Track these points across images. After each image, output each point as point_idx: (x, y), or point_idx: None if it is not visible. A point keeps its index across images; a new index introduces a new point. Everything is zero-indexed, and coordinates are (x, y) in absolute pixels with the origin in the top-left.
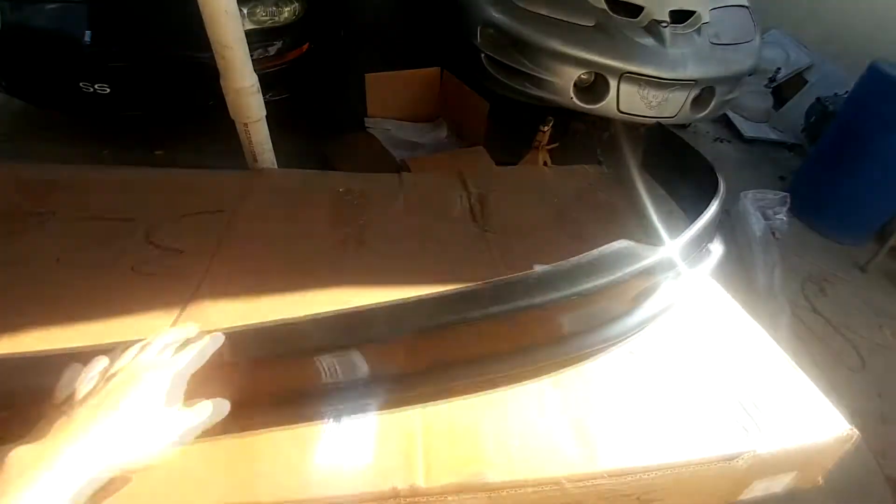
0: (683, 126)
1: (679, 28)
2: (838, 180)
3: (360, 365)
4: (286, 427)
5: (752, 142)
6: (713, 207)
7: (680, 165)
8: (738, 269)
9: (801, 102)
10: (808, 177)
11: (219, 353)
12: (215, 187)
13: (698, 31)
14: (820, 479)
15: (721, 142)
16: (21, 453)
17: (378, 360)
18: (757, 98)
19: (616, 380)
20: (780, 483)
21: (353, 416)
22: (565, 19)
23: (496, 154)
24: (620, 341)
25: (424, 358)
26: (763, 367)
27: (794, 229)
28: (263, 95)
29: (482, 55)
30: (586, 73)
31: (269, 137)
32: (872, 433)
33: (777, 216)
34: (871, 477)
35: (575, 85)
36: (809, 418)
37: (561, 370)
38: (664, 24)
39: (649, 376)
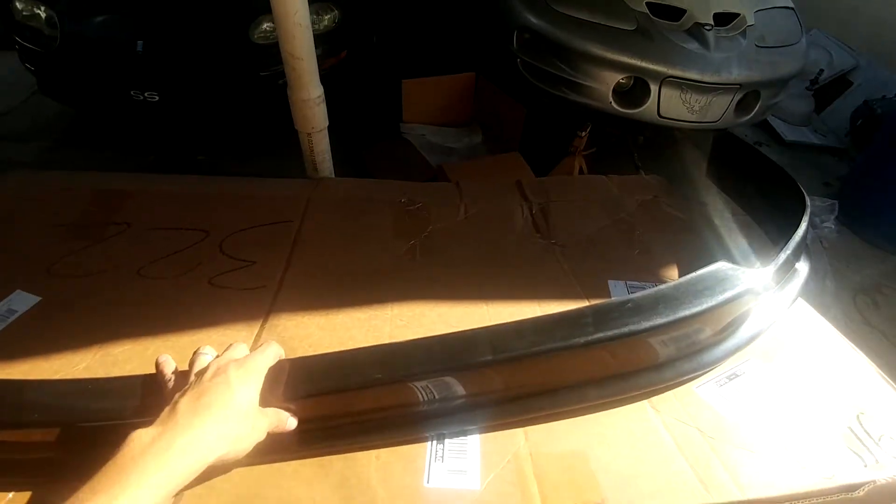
0: (722, 130)
1: (723, 31)
2: (890, 186)
3: (455, 388)
4: (394, 447)
5: (792, 146)
6: (803, 224)
7: (752, 176)
8: None
9: (845, 105)
10: (857, 183)
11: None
12: (280, 197)
13: (743, 33)
14: None
15: (760, 146)
16: (141, 435)
17: (475, 383)
18: (798, 101)
19: (718, 405)
20: None
21: (454, 437)
22: (604, 23)
23: (531, 160)
24: (718, 365)
25: (523, 382)
26: (868, 392)
27: (842, 238)
28: None
29: (518, 60)
30: (626, 77)
31: (329, 147)
32: None
33: (825, 224)
34: None
35: (614, 90)
36: None
37: (659, 394)
38: (708, 27)
39: (753, 402)
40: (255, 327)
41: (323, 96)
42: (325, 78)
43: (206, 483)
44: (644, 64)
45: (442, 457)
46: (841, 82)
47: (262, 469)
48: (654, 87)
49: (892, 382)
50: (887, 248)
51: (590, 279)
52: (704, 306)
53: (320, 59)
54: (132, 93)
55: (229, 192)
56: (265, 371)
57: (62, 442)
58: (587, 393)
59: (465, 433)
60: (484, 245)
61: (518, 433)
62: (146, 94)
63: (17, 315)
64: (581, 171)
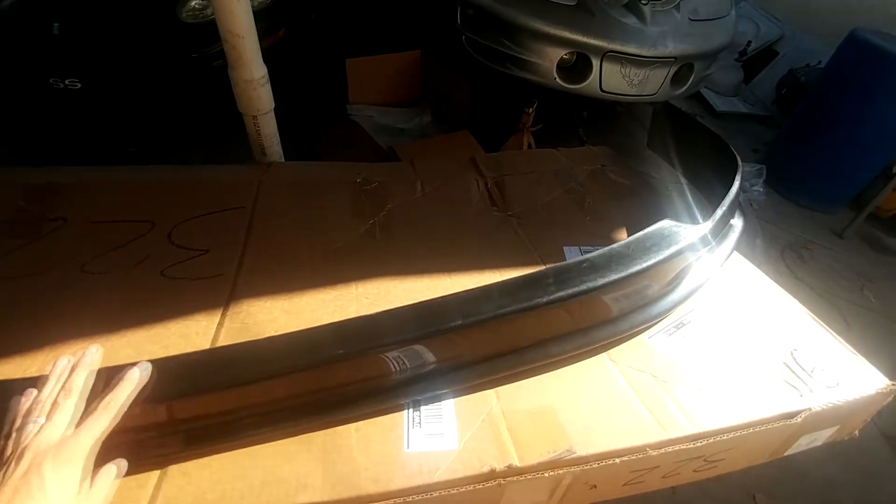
0: (660, 102)
1: (658, 5)
2: (814, 150)
3: (426, 355)
4: (371, 419)
5: (723, 116)
6: (736, 183)
7: (689, 143)
8: None
9: (771, 75)
10: (782, 148)
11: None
12: (229, 183)
13: (677, 7)
14: (856, 432)
15: (694, 117)
16: None
17: (446, 348)
18: (727, 72)
19: (668, 352)
20: (822, 436)
21: (429, 403)
22: None
23: (480, 137)
24: (667, 316)
25: (491, 343)
26: (799, 332)
27: (770, 200)
28: None
29: (463, 37)
30: (569, 53)
31: (277, 130)
32: None
33: (754, 188)
34: (868, 435)
35: (558, 66)
36: (851, 375)
37: (614, 347)
38: (644, 2)
39: (699, 347)
40: (216, 316)
41: (267, 76)
42: (265, 58)
43: (183, 471)
44: (585, 39)
45: (419, 422)
46: (767, 53)
47: (241, 452)
48: (595, 63)
49: (821, 322)
50: (812, 207)
51: (546, 246)
52: (653, 261)
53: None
54: (51, 80)
55: (172, 180)
56: (88, 450)
57: None
58: (550, 349)
59: (439, 398)
60: (443, 220)
61: (489, 394)
62: (66, 82)
63: None
64: (529, 147)
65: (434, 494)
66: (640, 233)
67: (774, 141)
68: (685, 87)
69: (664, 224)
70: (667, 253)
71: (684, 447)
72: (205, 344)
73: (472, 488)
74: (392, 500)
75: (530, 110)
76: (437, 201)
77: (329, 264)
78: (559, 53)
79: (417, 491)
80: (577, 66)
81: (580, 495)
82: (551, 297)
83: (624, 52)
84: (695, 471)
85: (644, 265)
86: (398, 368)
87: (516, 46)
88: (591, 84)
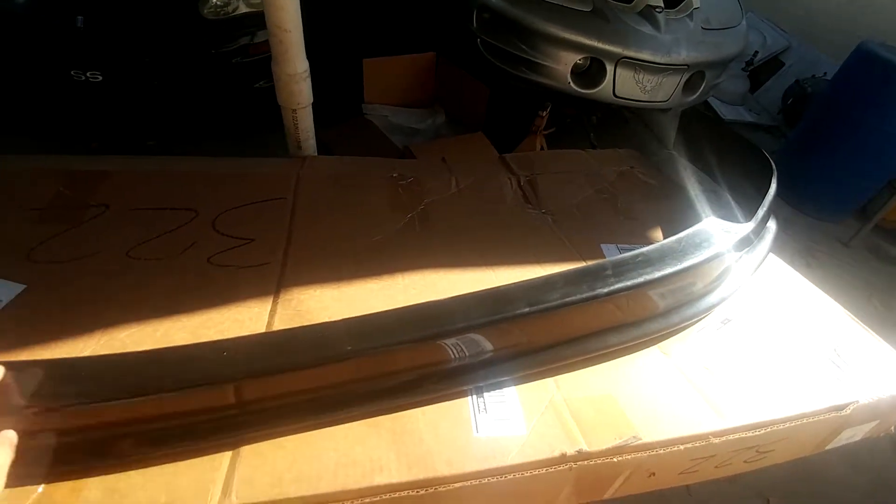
0: (664, 109)
1: (672, 13)
2: (821, 161)
3: (488, 342)
4: (437, 404)
5: (730, 124)
6: (773, 184)
7: (719, 147)
8: None
9: (777, 85)
10: (788, 158)
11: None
12: (267, 175)
13: (690, 15)
14: (893, 429)
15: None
16: None
17: (508, 336)
18: (734, 81)
19: (717, 346)
20: (861, 431)
21: (492, 390)
22: (562, 4)
23: (494, 139)
24: (713, 312)
25: (551, 332)
26: (839, 329)
27: (777, 208)
28: (258, 82)
29: (478, 40)
30: (583, 58)
31: (313, 125)
32: None
33: None
34: (878, 438)
35: (572, 70)
36: (893, 372)
37: (665, 340)
38: (658, 10)
39: (746, 342)
40: (267, 302)
41: (308, 71)
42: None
43: (257, 451)
44: (600, 44)
45: (485, 408)
46: (773, 63)
47: (313, 434)
48: (609, 68)
49: (859, 321)
50: (818, 216)
51: (583, 244)
52: (703, 257)
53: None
54: (72, 73)
55: (211, 170)
56: None
57: None
58: (607, 339)
59: (500, 385)
60: (479, 215)
61: (549, 382)
62: (88, 75)
63: (1, 305)
64: (542, 150)
65: (508, 477)
66: (690, 229)
67: (780, 151)
68: (696, 95)
69: (711, 221)
70: (715, 250)
71: (743, 436)
72: (259, 329)
73: (543, 472)
74: (467, 482)
75: (544, 113)
76: (472, 197)
77: (372, 255)
78: (574, 58)
79: (492, 473)
80: (592, 71)
81: (639, 482)
82: (611, 287)
83: (638, 59)
84: (745, 461)
85: (695, 261)
86: (460, 355)
87: (531, 50)
88: (604, 89)
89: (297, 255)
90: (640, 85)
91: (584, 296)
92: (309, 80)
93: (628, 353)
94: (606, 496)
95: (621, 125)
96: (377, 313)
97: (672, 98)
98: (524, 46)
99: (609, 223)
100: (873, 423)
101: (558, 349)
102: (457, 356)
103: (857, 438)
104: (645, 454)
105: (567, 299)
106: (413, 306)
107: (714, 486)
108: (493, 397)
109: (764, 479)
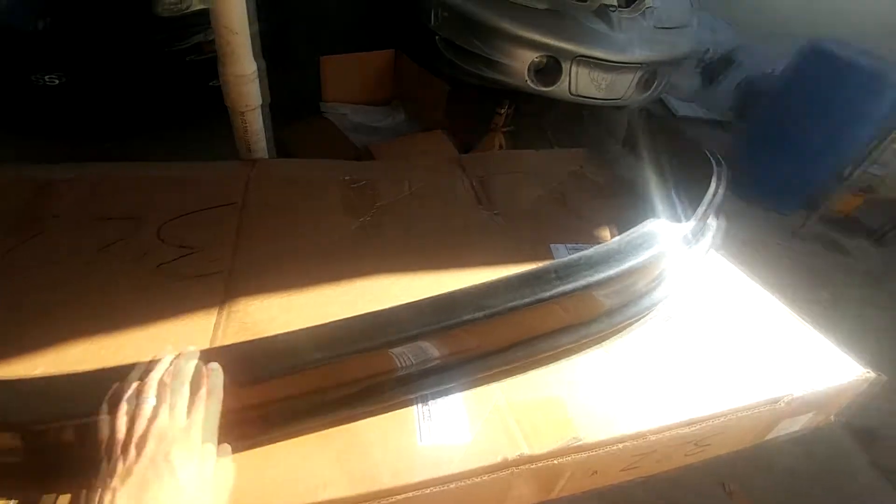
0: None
1: (626, 12)
2: (771, 154)
3: (433, 350)
4: (383, 415)
5: (683, 120)
6: (713, 184)
7: (665, 146)
8: None
9: (729, 81)
10: (740, 152)
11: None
12: (216, 180)
13: (643, 14)
14: (832, 417)
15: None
16: None
17: (453, 343)
18: (687, 78)
19: (659, 343)
20: (798, 422)
21: (437, 398)
22: (519, 2)
23: (454, 137)
24: (655, 309)
25: (495, 337)
26: (778, 324)
27: (728, 202)
28: (212, 80)
29: (437, 37)
30: (540, 56)
31: (263, 127)
32: None
33: None
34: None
35: (530, 68)
36: (829, 364)
37: (609, 339)
38: (613, 9)
39: (686, 338)
40: (212, 315)
41: (257, 72)
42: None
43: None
44: (556, 43)
45: (430, 416)
46: (726, 60)
47: (260, 451)
48: (566, 66)
49: (797, 315)
50: (768, 208)
51: (533, 245)
52: (644, 257)
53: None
54: (32, 77)
55: (161, 176)
56: (216, 429)
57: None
58: (551, 342)
59: (446, 392)
60: (432, 218)
61: (494, 387)
62: (47, 78)
63: None
64: (500, 148)
65: (451, 486)
66: (631, 231)
67: (732, 145)
68: (650, 92)
69: (652, 223)
70: (656, 250)
71: (679, 432)
72: (204, 344)
73: (486, 478)
74: (411, 493)
75: (502, 111)
76: (425, 199)
77: (323, 262)
78: (531, 56)
79: (435, 483)
80: (549, 69)
81: (581, 482)
82: (554, 291)
83: (593, 57)
84: (686, 455)
85: (636, 261)
86: (406, 364)
87: (489, 48)
88: (561, 87)
89: (245, 263)
90: (595, 83)
91: (528, 300)
92: (258, 82)
93: (573, 354)
94: (552, 496)
95: (579, 123)
96: (322, 325)
97: (627, 95)
98: (482, 44)
99: (558, 223)
100: (810, 415)
101: (502, 354)
102: (403, 365)
103: (796, 429)
104: (585, 455)
105: (510, 304)
106: (359, 317)
107: (672, 473)
108: (438, 405)
109: (720, 465)
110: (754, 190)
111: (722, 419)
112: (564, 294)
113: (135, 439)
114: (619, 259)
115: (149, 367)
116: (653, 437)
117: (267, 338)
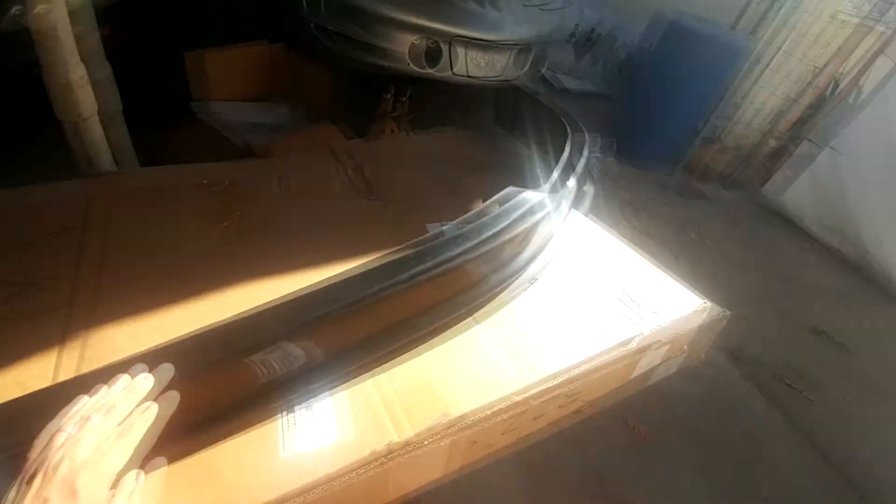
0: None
1: None
2: (643, 119)
3: (293, 352)
4: (243, 433)
5: (567, 94)
6: (567, 149)
7: (533, 118)
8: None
9: (610, 55)
10: (621, 119)
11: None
12: (54, 203)
13: None
14: (703, 355)
15: (538, 96)
16: None
17: (313, 341)
18: (564, 53)
19: (525, 306)
20: (659, 356)
21: (304, 402)
22: None
23: (345, 128)
24: (521, 274)
25: (359, 329)
26: (630, 270)
27: (615, 167)
28: None
29: (311, 24)
30: (419, 38)
31: (104, 135)
32: None
33: (608, 158)
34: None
35: (412, 51)
36: (672, 299)
37: (479, 310)
38: None
39: (550, 298)
40: (52, 356)
41: (87, 76)
42: (111, 58)
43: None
44: (431, 24)
45: (294, 423)
46: (595, 34)
47: None
48: (444, 48)
49: (648, 258)
50: (646, 168)
51: (412, 228)
52: (501, 225)
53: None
54: None
55: None
56: (123, 464)
57: None
58: (418, 324)
59: (313, 394)
60: (304, 215)
61: (366, 379)
62: None
63: None
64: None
65: (315, 493)
66: (488, 201)
67: (611, 113)
68: (528, 69)
69: (509, 190)
70: (513, 216)
71: (542, 388)
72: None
73: (357, 475)
74: None
75: (388, 96)
76: (297, 196)
77: (181, 278)
78: (409, 39)
79: (299, 493)
80: (430, 51)
81: (468, 455)
82: (412, 271)
83: (468, 37)
84: (560, 407)
85: (494, 230)
86: (265, 372)
87: (366, 33)
88: (443, 68)
89: (88, 293)
90: (475, 62)
91: (387, 286)
92: (89, 87)
93: (444, 331)
94: (438, 476)
95: (464, 102)
96: (170, 343)
97: (506, 73)
98: (359, 29)
99: (435, 203)
100: (666, 347)
101: (369, 345)
102: (262, 374)
103: (673, 370)
104: (455, 429)
105: (368, 292)
106: (208, 328)
107: (582, 422)
108: (303, 410)
109: (622, 404)
110: (634, 154)
111: (579, 368)
112: (422, 274)
113: (47, 466)
114: (477, 230)
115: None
116: (518, 398)
117: (105, 367)
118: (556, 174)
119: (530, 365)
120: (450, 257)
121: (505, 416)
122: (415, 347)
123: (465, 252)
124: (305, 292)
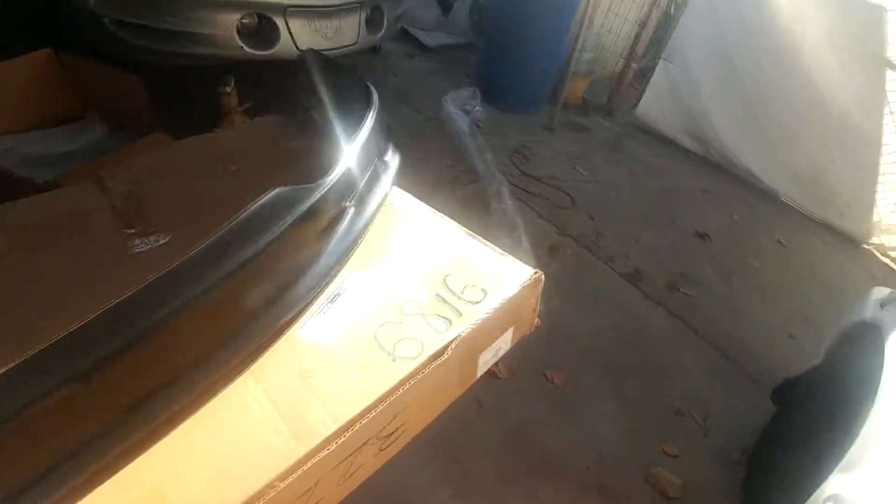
0: (374, 50)
1: None
2: (507, 64)
3: None
4: None
5: (434, 50)
6: (368, 122)
7: (335, 87)
8: (459, 163)
9: (463, 5)
10: (483, 67)
11: None
12: None
13: None
14: (537, 321)
15: (412, 57)
16: None
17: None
18: (427, 9)
19: (320, 338)
20: (505, 341)
21: None
22: None
23: (182, 136)
24: (318, 293)
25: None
26: (452, 255)
27: (489, 115)
28: None
29: (105, 20)
30: (245, 15)
31: None
32: (596, 247)
33: (475, 109)
34: (606, 277)
35: (241, 33)
36: (499, 279)
37: (260, 357)
38: None
39: (355, 317)
40: None
41: None
42: None
43: None
44: None
45: None
46: None
47: None
48: (279, 22)
49: (476, 236)
50: (522, 112)
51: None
52: (267, 239)
53: None
54: None
55: None
56: None
57: None
58: (153, 406)
59: None
60: (48, 275)
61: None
62: None
63: None
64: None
65: None
66: (244, 211)
67: (477, 63)
68: (383, 30)
69: (276, 193)
70: (283, 225)
71: (328, 452)
72: None
73: None
74: None
75: (228, 89)
76: (39, 251)
77: None
78: (234, 19)
79: None
80: (263, 29)
81: None
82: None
83: (305, 5)
84: (381, 450)
85: (258, 247)
86: None
87: (178, 19)
88: (284, 46)
89: None
90: (321, 33)
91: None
92: None
93: (213, 398)
94: None
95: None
96: None
97: (360, 39)
98: (169, 17)
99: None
100: (509, 331)
101: (75, 458)
102: None
103: (505, 350)
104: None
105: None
106: None
107: (500, 381)
108: None
109: (534, 357)
110: (506, 99)
111: (381, 408)
112: (148, 336)
113: None
114: (233, 252)
115: None
116: (282, 484)
117: None
118: (342, 165)
119: (311, 423)
120: (188, 300)
121: (298, 493)
122: (153, 442)
123: (214, 286)
124: None
